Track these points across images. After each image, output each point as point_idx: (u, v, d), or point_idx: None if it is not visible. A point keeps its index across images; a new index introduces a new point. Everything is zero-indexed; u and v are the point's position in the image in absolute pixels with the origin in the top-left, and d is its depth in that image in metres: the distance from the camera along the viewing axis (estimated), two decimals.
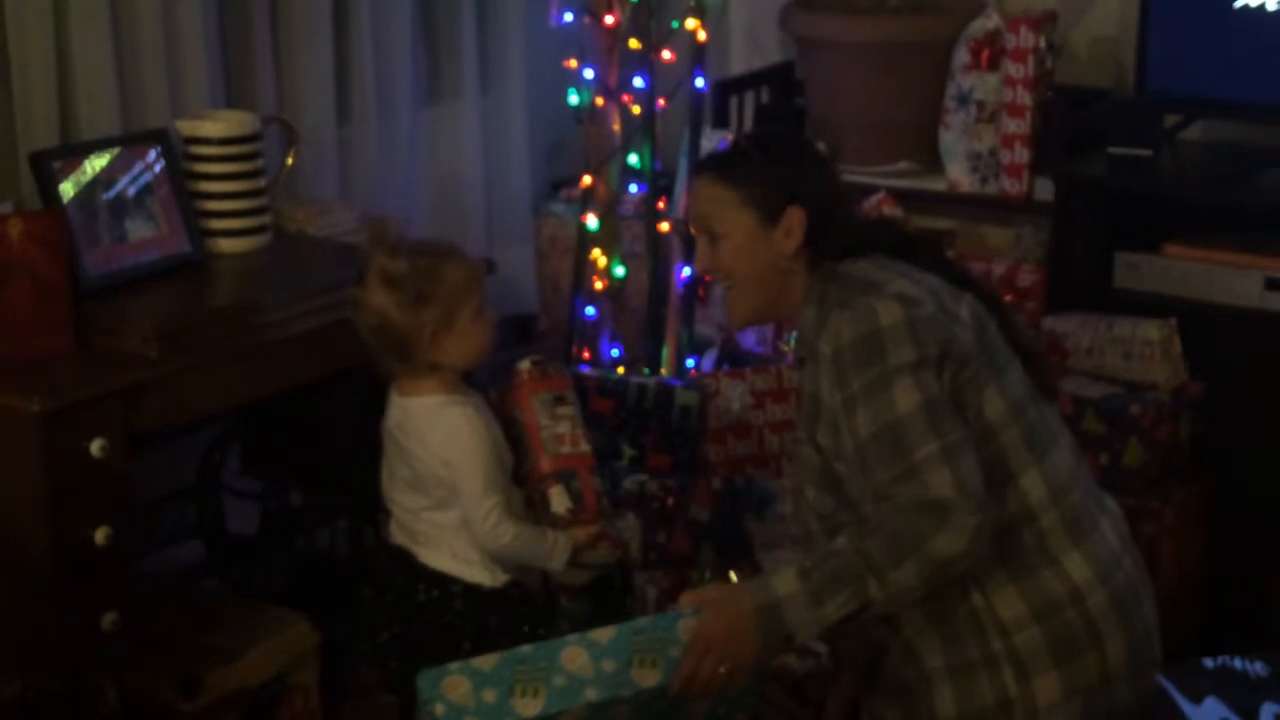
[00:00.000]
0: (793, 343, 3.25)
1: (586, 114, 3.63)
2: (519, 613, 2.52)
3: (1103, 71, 3.71)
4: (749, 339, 3.66)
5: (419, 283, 2.43)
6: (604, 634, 2.09)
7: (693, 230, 2.32)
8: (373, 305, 2.44)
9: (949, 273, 2.25)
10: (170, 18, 3.12)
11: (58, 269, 2.61)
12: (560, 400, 2.53)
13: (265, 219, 3.08)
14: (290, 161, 3.20)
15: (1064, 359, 3.32)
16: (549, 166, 4.14)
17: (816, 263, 2.22)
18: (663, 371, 3.59)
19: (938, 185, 3.69)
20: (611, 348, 3.70)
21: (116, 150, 2.89)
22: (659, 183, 3.64)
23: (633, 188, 3.68)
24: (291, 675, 2.84)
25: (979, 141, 3.59)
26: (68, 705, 2.48)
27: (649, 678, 2.06)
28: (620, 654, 2.07)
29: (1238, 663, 2.12)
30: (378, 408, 2.54)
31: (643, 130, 3.59)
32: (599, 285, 3.67)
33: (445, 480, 2.46)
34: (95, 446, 2.47)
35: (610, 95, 3.60)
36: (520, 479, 2.53)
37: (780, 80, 3.97)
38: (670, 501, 3.17)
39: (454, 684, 2.05)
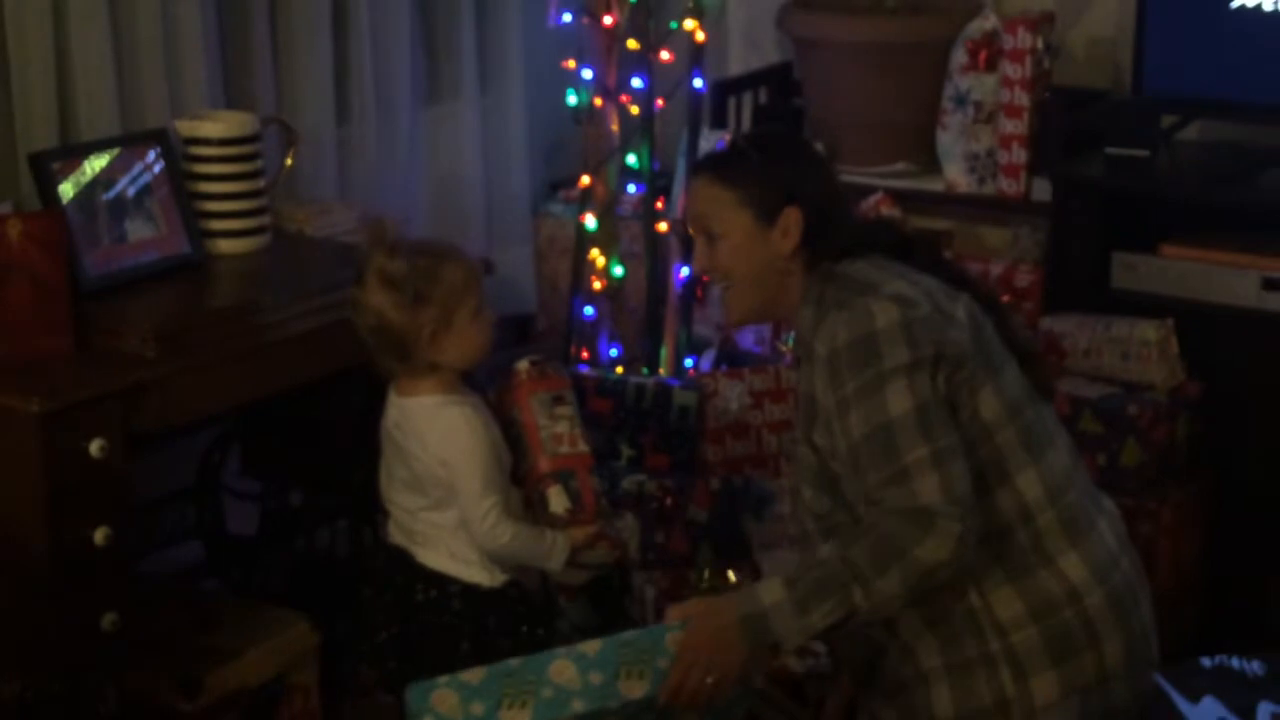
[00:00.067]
0: (790, 343, 3.26)
1: (585, 114, 3.63)
2: (517, 613, 2.52)
3: (1100, 72, 3.71)
4: (747, 339, 3.67)
5: (417, 283, 2.43)
6: (591, 646, 2.10)
7: (690, 230, 2.32)
8: (371, 305, 2.45)
9: (946, 273, 2.26)
10: (169, 18, 3.12)
11: (57, 269, 2.61)
12: (558, 400, 2.53)
13: (265, 219, 3.08)
14: (289, 162, 3.21)
15: (1062, 359, 3.33)
16: (548, 167, 4.15)
17: (814, 263, 2.23)
18: (661, 371, 3.59)
19: (935, 186, 3.69)
20: (610, 348, 3.70)
21: (116, 151, 2.90)
22: (657, 183, 3.63)
23: (631, 188, 3.68)
24: (291, 675, 2.84)
25: (976, 142, 3.60)
26: (67, 705, 2.48)
27: (636, 689, 2.07)
28: (607, 666, 2.08)
29: (1235, 662, 2.13)
30: (377, 408, 2.54)
31: (641, 131, 3.59)
32: (597, 285, 3.68)
33: (443, 480, 2.46)
34: (95, 447, 2.47)
35: (609, 95, 3.61)
36: (519, 479, 2.53)
37: (778, 81, 3.98)
38: (668, 501, 3.17)
39: (442, 697, 2.06)
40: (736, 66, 4.06)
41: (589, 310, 3.69)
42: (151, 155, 2.94)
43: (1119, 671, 2.16)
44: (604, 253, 3.67)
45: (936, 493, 2.04)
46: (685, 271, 3.57)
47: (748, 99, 3.93)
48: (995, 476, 2.14)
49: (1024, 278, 3.52)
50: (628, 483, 3.17)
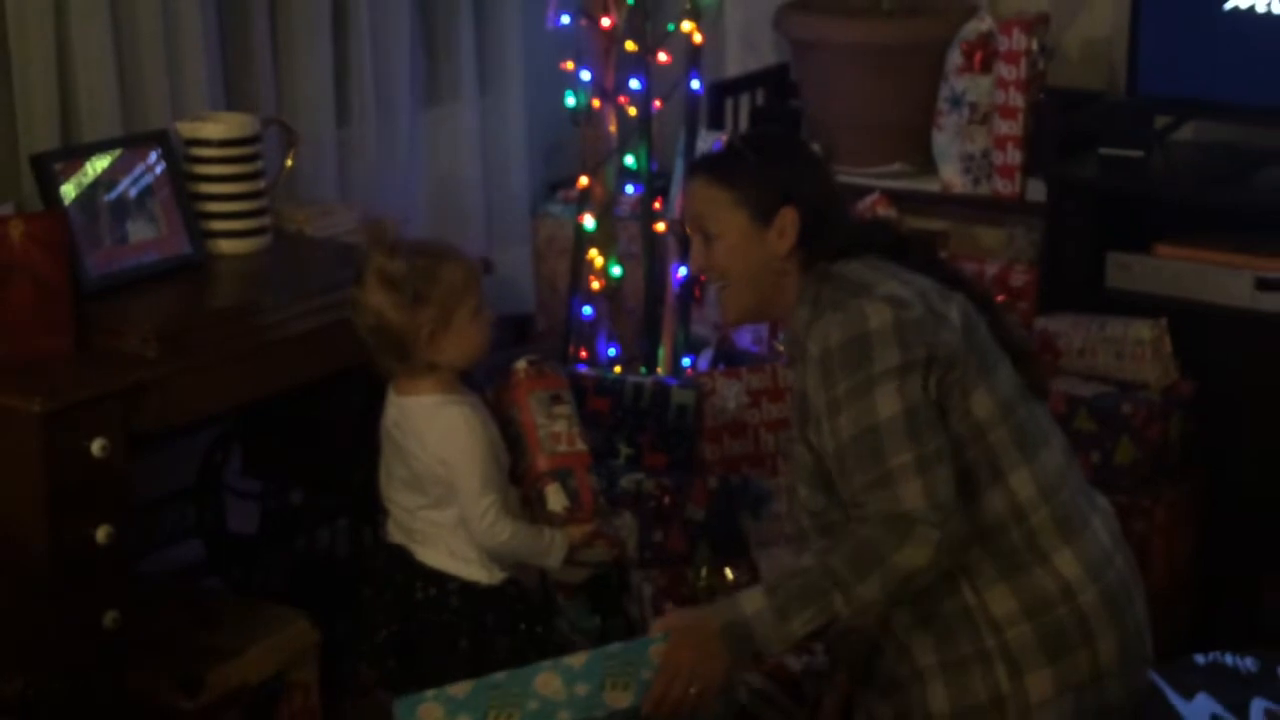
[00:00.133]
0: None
1: (583, 116, 3.64)
2: (516, 610, 2.53)
3: (1094, 74, 3.72)
4: (745, 338, 3.67)
5: (416, 283, 2.43)
6: (577, 659, 2.12)
7: (688, 230, 2.32)
8: (371, 305, 2.45)
9: (941, 273, 2.27)
10: (170, 19, 3.13)
11: (59, 270, 2.62)
12: (556, 399, 2.53)
13: (265, 220, 3.08)
14: (290, 163, 3.21)
15: (1056, 358, 3.33)
16: (546, 167, 4.15)
17: (810, 263, 2.23)
18: (659, 371, 3.60)
19: (931, 186, 3.70)
20: (608, 347, 3.71)
21: (118, 152, 2.90)
22: (655, 184, 3.64)
23: (629, 189, 3.69)
24: (291, 673, 2.84)
25: (972, 143, 3.60)
26: (69, 704, 2.48)
27: (621, 700, 2.09)
28: (593, 677, 2.09)
29: (1229, 659, 2.13)
30: (377, 408, 2.55)
31: (639, 132, 3.60)
32: (596, 285, 3.69)
33: (443, 479, 2.46)
34: (96, 446, 2.47)
35: (607, 97, 3.62)
36: (517, 477, 2.53)
37: (775, 82, 3.98)
38: (666, 500, 3.17)
39: (429, 711, 2.07)
40: (734, 68, 4.06)
41: (587, 310, 3.70)
42: (153, 156, 2.94)
43: (1113, 669, 2.18)
44: (602, 253, 3.68)
45: (918, 498, 2.06)
46: (683, 271, 3.58)
47: (745, 100, 3.93)
48: (988, 475, 2.16)
49: (1019, 277, 3.52)
50: (626, 481, 3.17)
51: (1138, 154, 3.44)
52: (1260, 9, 3.31)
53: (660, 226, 3.63)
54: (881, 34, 3.71)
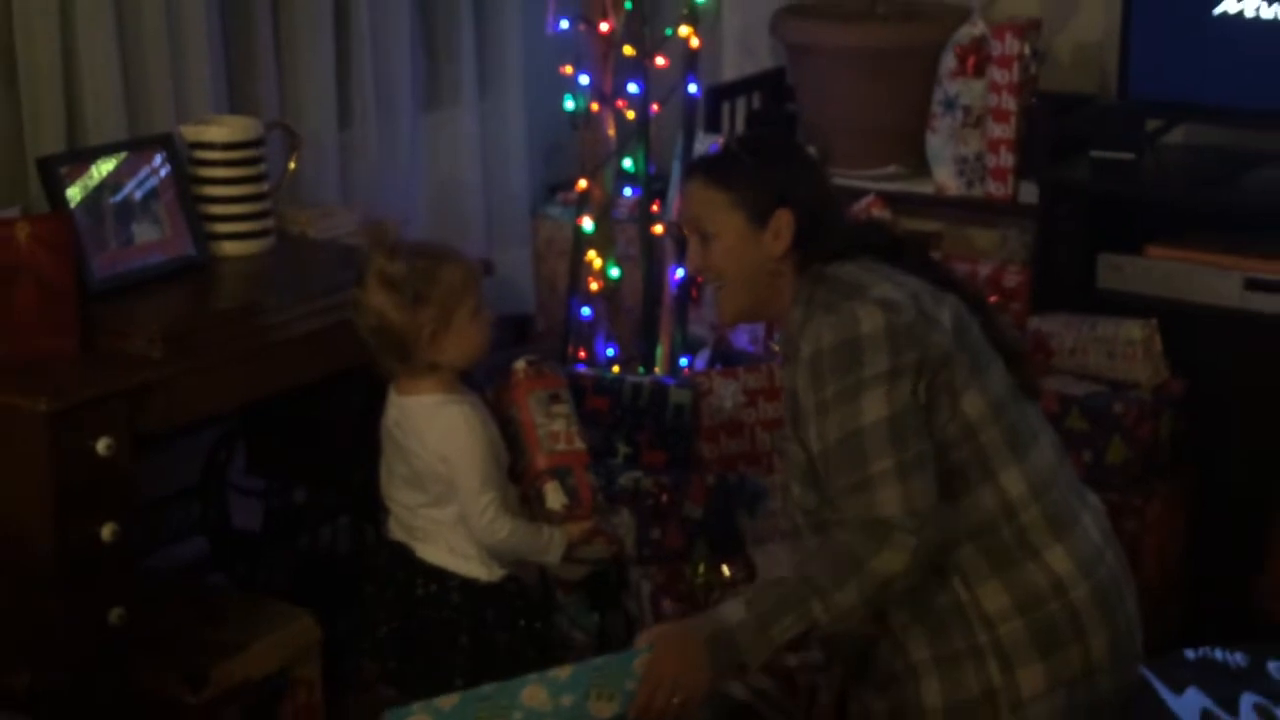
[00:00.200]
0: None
1: (582, 119, 3.65)
2: (515, 607, 2.54)
3: (1086, 77, 3.72)
4: (741, 339, 3.67)
5: (417, 284, 2.44)
6: (563, 671, 2.13)
7: (685, 231, 2.33)
8: (372, 306, 2.45)
9: (934, 274, 2.27)
10: (174, 24, 3.14)
11: (64, 272, 2.62)
12: (555, 398, 2.54)
13: (268, 222, 3.10)
14: (292, 166, 3.22)
15: (1049, 358, 3.34)
16: (546, 170, 4.15)
17: (805, 265, 2.24)
18: (657, 371, 3.61)
19: (925, 188, 3.70)
20: (607, 347, 3.72)
21: (123, 155, 2.91)
22: (653, 186, 3.64)
23: (627, 191, 3.69)
24: (294, 669, 2.85)
25: (965, 146, 3.60)
26: (74, 699, 2.49)
27: (606, 710, 2.11)
28: (578, 689, 2.11)
29: (1219, 654, 2.15)
30: (378, 408, 2.55)
31: (637, 135, 3.60)
32: (594, 286, 3.69)
33: (443, 477, 2.47)
34: (101, 445, 2.47)
35: (605, 101, 3.63)
36: (516, 476, 2.54)
37: (772, 86, 3.98)
38: (664, 498, 3.16)
39: None
40: (731, 72, 4.05)
41: (586, 311, 3.71)
42: (158, 159, 2.95)
43: (1104, 664, 2.19)
44: (601, 254, 3.69)
45: (896, 505, 2.07)
46: (680, 273, 3.59)
47: (742, 104, 3.93)
48: (979, 474, 2.17)
49: (1012, 278, 3.52)
50: (624, 479, 3.16)
51: (1129, 157, 3.45)
52: (1249, 14, 3.32)
53: (658, 228, 3.63)
54: (876, 38, 3.71)
